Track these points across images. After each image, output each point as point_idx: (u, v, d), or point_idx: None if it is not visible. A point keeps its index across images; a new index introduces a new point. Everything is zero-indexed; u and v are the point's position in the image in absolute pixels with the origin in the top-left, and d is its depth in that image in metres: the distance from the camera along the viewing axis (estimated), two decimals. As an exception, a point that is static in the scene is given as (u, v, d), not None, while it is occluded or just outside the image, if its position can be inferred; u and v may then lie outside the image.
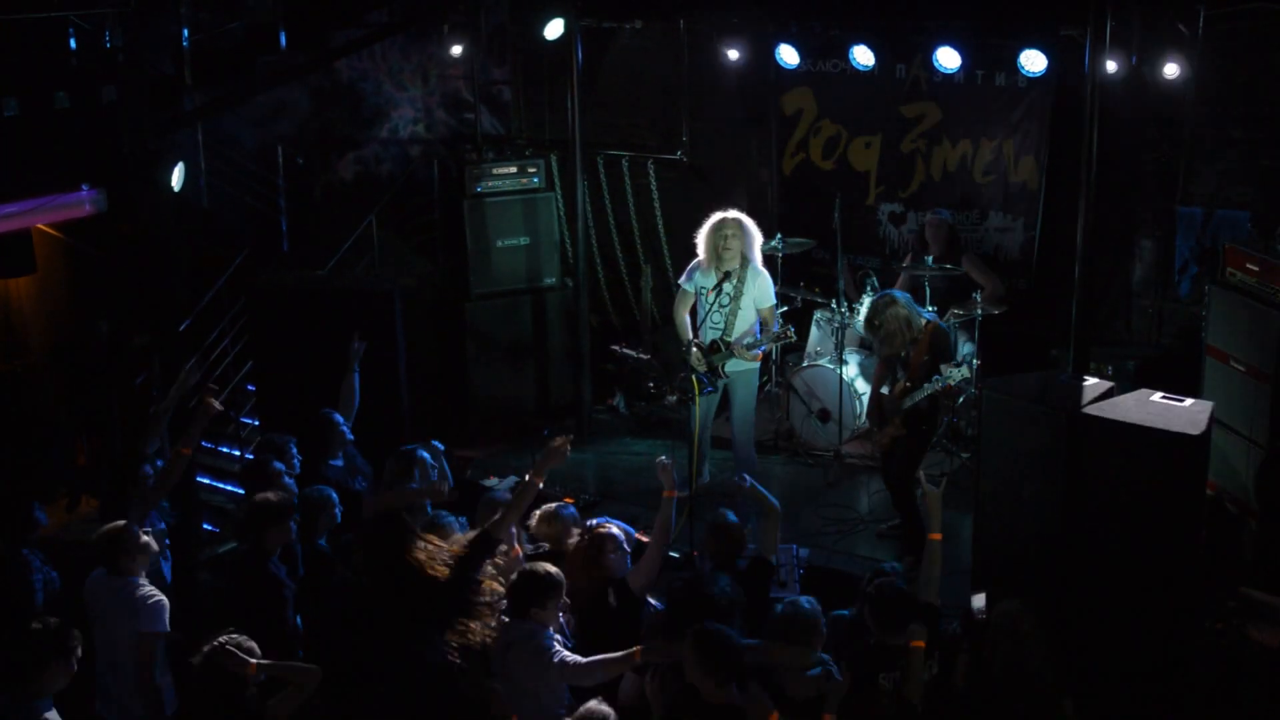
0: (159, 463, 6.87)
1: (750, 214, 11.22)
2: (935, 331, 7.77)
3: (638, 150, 11.69)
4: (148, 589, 5.94)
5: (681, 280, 8.78)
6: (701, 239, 8.54)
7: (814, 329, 10.08)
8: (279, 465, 6.89)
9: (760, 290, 8.48)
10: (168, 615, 5.92)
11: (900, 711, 5.29)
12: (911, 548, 8.02)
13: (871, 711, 5.30)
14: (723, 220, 8.42)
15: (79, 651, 5.26)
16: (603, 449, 10.29)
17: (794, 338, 8.56)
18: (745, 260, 8.42)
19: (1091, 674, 5.98)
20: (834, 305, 9.64)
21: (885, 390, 8.04)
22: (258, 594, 6.05)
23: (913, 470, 8.06)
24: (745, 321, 8.49)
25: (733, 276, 8.41)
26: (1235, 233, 8.83)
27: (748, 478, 6.72)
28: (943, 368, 7.65)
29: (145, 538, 6.04)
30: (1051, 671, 5.27)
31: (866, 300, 9.73)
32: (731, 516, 6.31)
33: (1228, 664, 6.44)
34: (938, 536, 5.89)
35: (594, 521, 6.32)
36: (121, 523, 6.01)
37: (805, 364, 9.87)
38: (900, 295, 7.90)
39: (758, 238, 8.52)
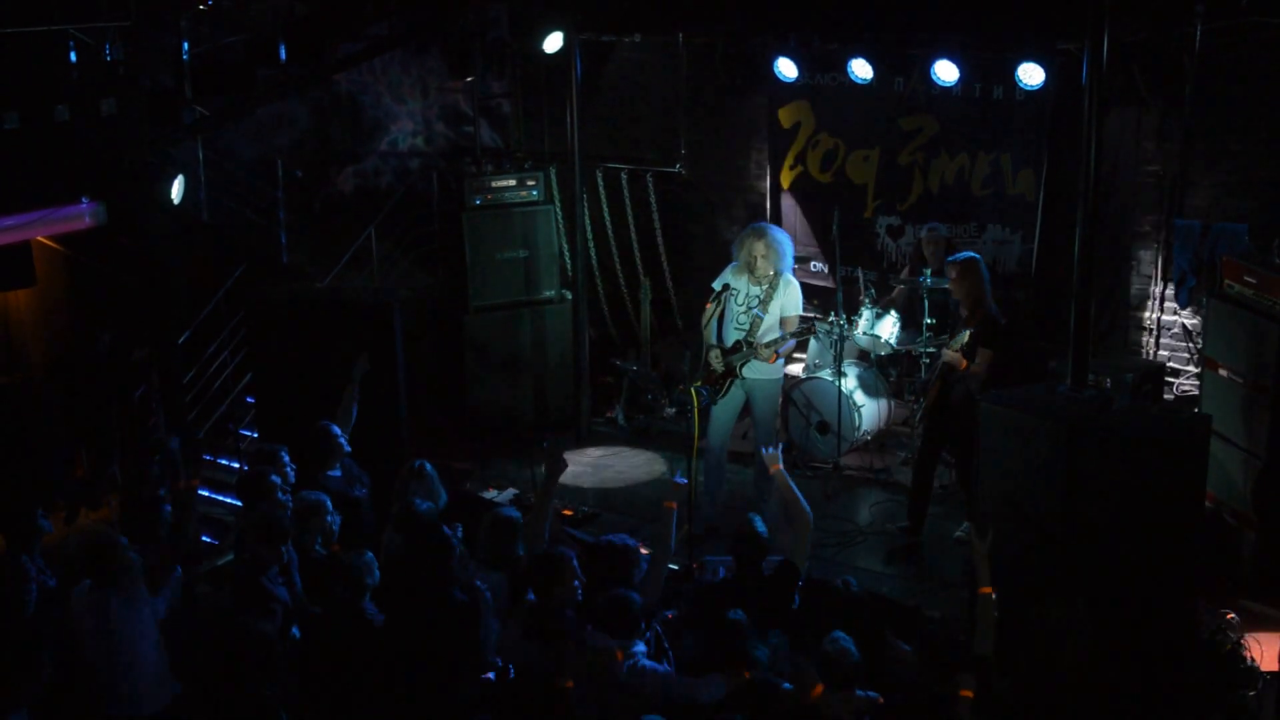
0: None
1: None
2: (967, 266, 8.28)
3: (636, 163, 11.71)
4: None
5: (716, 283, 8.65)
6: (736, 245, 8.62)
7: (812, 341, 10.08)
8: (276, 479, 6.89)
9: (789, 299, 8.52)
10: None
11: None
12: (914, 529, 8.57)
13: None
14: (754, 238, 8.45)
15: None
16: (601, 461, 10.28)
17: (816, 330, 8.71)
18: (777, 272, 8.48)
19: (1090, 683, 5.97)
20: (832, 318, 9.64)
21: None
22: (253, 608, 6.02)
23: (970, 451, 7.60)
24: (769, 326, 8.49)
25: (764, 282, 8.49)
26: (1233, 245, 8.84)
27: (779, 456, 6.71)
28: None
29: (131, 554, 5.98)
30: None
31: (865, 313, 9.75)
32: (759, 524, 6.29)
33: (1226, 676, 6.44)
34: (989, 590, 5.67)
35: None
36: (106, 533, 5.99)
37: (804, 376, 9.86)
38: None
39: (788, 251, 8.55)
